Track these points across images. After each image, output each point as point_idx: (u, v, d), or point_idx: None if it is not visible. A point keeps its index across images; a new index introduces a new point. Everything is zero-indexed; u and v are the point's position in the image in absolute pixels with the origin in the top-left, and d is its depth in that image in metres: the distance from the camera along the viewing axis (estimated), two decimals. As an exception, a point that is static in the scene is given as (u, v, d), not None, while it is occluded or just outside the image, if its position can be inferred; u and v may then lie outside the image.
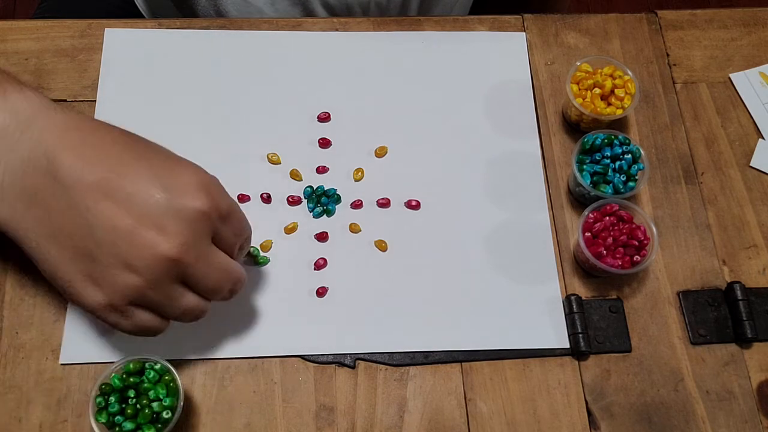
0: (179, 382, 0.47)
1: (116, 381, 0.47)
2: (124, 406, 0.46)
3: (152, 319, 0.44)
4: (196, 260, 0.42)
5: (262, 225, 0.56)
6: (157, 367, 0.48)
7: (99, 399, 0.46)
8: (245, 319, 0.53)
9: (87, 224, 0.41)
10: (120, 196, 0.41)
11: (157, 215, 0.41)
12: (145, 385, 0.47)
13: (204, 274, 0.43)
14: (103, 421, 0.46)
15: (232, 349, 0.52)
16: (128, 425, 0.45)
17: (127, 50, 0.62)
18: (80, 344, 0.51)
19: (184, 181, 0.43)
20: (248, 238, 0.49)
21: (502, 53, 0.64)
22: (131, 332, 0.44)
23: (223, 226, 0.44)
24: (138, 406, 0.46)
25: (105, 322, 0.44)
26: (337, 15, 0.69)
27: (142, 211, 0.41)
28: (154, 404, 0.46)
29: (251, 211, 0.57)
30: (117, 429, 0.46)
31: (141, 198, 0.41)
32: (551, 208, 0.59)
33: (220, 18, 0.67)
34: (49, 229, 0.42)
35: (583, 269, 0.56)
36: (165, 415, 0.46)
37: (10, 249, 0.54)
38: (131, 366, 0.47)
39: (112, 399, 0.46)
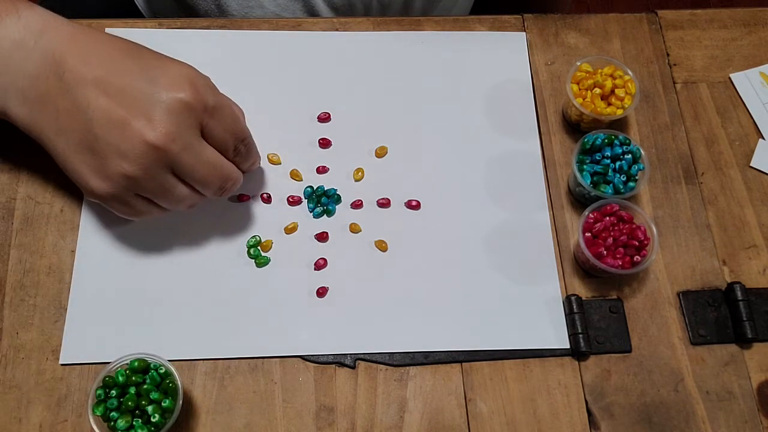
0: (179, 383, 0.47)
1: (120, 377, 0.47)
2: (122, 400, 0.46)
3: (150, 207, 0.49)
4: (182, 150, 0.45)
5: (262, 225, 0.56)
6: (162, 371, 0.48)
7: (99, 391, 0.46)
8: (245, 319, 0.53)
9: (87, 119, 0.45)
10: (113, 91, 0.45)
11: (146, 106, 0.45)
12: (146, 386, 0.47)
13: (191, 165, 0.47)
14: (99, 414, 0.46)
15: (232, 349, 0.52)
16: (122, 423, 0.45)
17: (127, 50, 0.62)
18: (80, 344, 0.51)
19: (170, 75, 0.46)
20: (245, 142, 0.50)
21: (502, 53, 0.64)
22: (133, 218, 0.51)
23: (211, 120, 0.47)
24: (135, 404, 0.46)
25: (111, 209, 0.49)
26: (338, 11, 0.69)
27: (132, 103, 0.45)
28: (152, 406, 0.46)
29: (251, 211, 0.57)
30: (111, 424, 0.46)
31: (131, 91, 0.45)
32: (551, 208, 0.59)
33: (220, 18, 0.67)
34: (58, 126, 0.47)
35: (584, 269, 0.56)
36: (159, 418, 0.46)
37: (10, 248, 0.54)
38: (136, 364, 0.47)
39: (113, 393, 0.46)
